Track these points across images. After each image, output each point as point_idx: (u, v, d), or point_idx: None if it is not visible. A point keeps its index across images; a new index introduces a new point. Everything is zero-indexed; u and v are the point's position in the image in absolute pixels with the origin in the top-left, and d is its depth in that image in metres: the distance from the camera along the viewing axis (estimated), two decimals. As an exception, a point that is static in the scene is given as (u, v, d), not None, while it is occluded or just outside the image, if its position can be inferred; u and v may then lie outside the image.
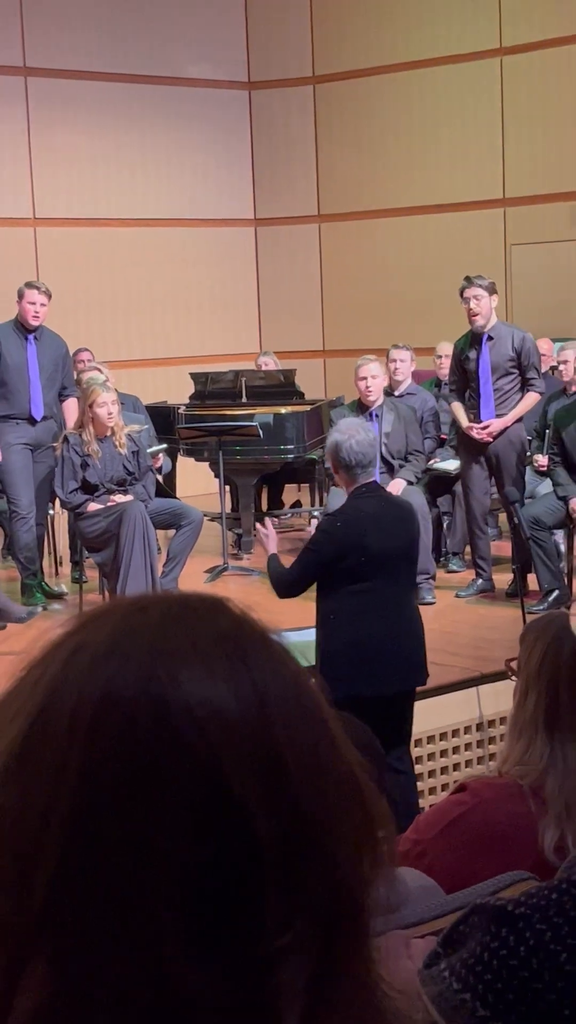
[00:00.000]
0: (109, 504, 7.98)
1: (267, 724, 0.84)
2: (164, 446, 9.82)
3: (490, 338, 8.55)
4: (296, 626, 5.29)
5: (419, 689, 5.66)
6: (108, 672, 0.84)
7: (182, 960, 0.80)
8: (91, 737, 0.82)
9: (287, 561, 5.62)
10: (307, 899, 0.83)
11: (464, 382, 8.71)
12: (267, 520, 6.25)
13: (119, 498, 8.02)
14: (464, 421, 8.62)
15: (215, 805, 0.81)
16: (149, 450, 9.16)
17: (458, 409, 8.74)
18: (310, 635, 5.26)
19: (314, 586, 5.34)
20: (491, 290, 8.54)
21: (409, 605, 5.44)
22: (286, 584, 5.46)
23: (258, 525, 6.11)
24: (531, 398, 8.62)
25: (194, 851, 0.81)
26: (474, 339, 8.63)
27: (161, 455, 9.64)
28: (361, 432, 5.29)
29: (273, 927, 0.82)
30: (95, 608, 0.91)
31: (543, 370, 9.35)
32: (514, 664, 2.75)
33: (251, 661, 0.86)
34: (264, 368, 11.63)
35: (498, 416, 8.53)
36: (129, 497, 8.04)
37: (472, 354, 8.61)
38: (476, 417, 8.60)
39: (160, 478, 9.34)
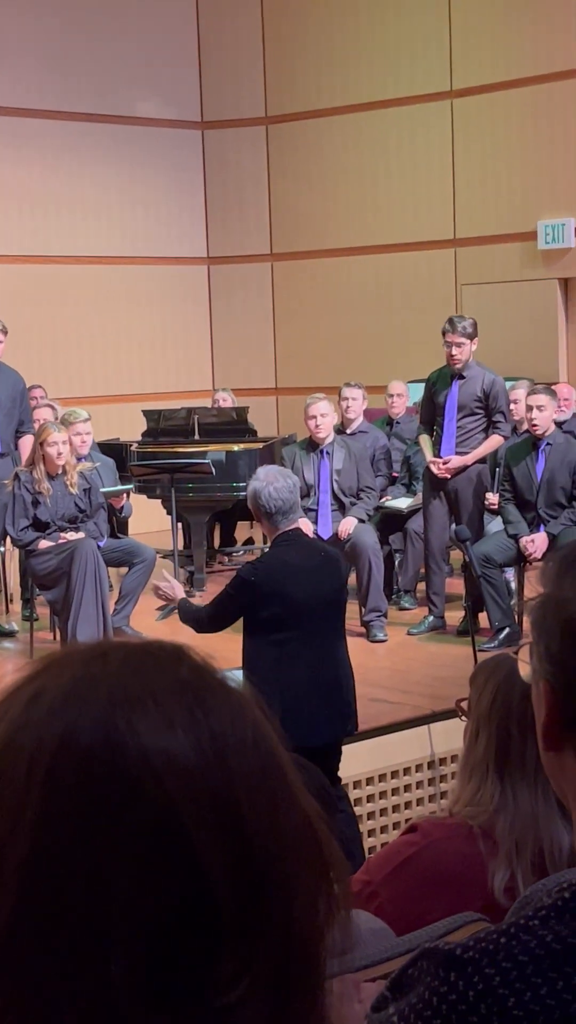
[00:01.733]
0: (60, 542, 7.94)
1: (225, 773, 0.84)
2: (131, 486, 9.76)
3: (462, 377, 8.61)
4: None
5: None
6: (67, 719, 0.84)
7: (134, 1009, 0.80)
8: (48, 783, 0.82)
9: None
10: (262, 949, 0.83)
11: (432, 415, 8.78)
12: (163, 573, 6.26)
13: (70, 536, 7.99)
14: (429, 454, 8.69)
15: (171, 854, 0.82)
16: (114, 488, 9.08)
17: (425, 442, 8.82)
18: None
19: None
20: (472, 335, 8.60)
21: (334, 654, 5.32)
22: (199, 621, 5.46)
23: (160, 583, 5.95)
24: (494, 440, 8.67)
25: (149, 899, 0.81)
26: (448, 376, 8.70)
27: (125, 495, 9.52)
28: (280, 479, 5.21)
29: (227, 977, 0.82)
30: (56, 653, 0.91)
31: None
32: (464, 704, 2.76)
33: (210, 710, 0.87)
34: (221, 404, 11.64)
35: (459, 454, 8.58)
36: (81, 535, 8.01)
37: (443, 390, 8.68)
38: (438, 452, 8.66)
39: (114, 522, 9.19)
